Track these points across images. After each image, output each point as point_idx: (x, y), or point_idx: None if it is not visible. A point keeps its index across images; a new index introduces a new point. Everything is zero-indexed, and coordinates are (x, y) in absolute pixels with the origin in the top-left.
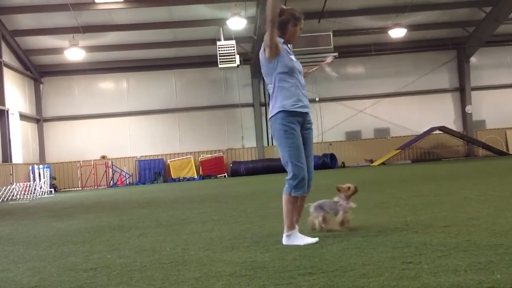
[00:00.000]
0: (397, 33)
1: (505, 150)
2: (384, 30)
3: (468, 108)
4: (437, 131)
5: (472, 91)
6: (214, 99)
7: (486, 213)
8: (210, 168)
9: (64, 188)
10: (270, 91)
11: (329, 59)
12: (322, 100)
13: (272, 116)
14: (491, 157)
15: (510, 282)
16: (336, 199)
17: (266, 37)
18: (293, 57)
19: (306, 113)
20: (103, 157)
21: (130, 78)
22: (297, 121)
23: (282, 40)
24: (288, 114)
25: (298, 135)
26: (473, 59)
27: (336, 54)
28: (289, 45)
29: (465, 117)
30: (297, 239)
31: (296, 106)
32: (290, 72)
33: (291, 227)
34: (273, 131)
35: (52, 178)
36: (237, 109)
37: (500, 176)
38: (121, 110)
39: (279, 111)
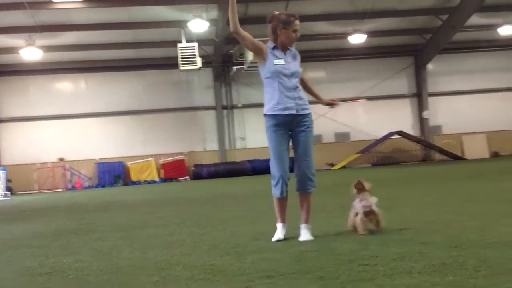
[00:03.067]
0: (357, 39)
1: (460, 155)
2: (344, 36)
3: (425, 114)
4: (396, 136)
5: (429, 97)
6: (176, 102)
7: (441, 217)
8: (172, 171)
9: (21, 191)
10: None
11: (362, 100)
12: None
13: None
14: (447, 162)
15: (463, 284)
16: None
17: None
18: (282, 60)
19: (294, 115)
20: (61, 159)
21: (89, 79)
22: (280, 124)
23: (272, 45)
24: (269, 117)
25: (279, 138)
26: (430, 66)
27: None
28: (288, 49)
29: (422, 122)
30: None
31: (275, 109)
32: (272, 76)
33: (277, 220)
34: None
35: (8, 180)
36: (199, 111)
37: (455, 180)
38: (80, 112)
39: (264, 114)
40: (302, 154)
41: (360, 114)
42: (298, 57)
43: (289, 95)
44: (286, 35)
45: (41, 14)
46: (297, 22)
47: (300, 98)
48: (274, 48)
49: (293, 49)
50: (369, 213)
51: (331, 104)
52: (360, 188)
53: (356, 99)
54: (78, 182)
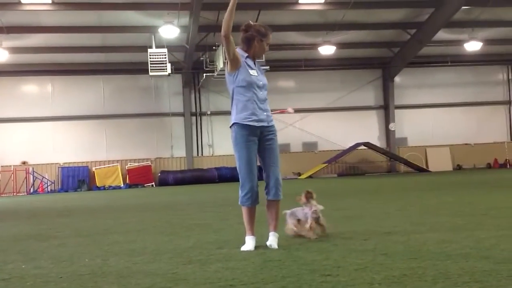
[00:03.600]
0: (327, 50)
1: (424, 167)
2: (314, 46)
3: (392, 126)
4: (362, 147)
5: (396, 109)
6: (144, 107)
7: (403, 228)
8: (138, 177)
9: None
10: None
11: (290, 110)
12: None
13: (230, 126)
14: (412, 173)
15: None
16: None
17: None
18: (255, 71)
19: (263, 127)
20: (24, 162)
21: (56, 82)
22: (252, 134)
23: (245, 55)
24: (241, 127)
25: (250, 148)
26: (397, 79)
27: (267, 67)
28: (254, 60)
29: (388, 134)
30: (244, 245)
31: (249, 119)
32: (247, 86)
33: (247, 233)
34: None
35: None
36: (167, 118)
37: (419, 191)
38: (45, 115)
39: (234, 123)
40: (272, 161)
41: (328, 124)
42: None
43: (262, 107)
44: (262, 47)
45: (8, 15)
46: (270, 36)
47: (268, 110)
48: (247, 58)
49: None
50: (318, 220)
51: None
52: (310, 197)
53: (284, 110)
54: (40, 186)
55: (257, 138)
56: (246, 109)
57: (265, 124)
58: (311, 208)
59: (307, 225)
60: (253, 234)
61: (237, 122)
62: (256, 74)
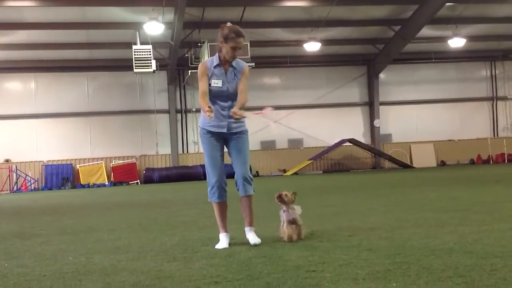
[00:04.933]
0: (312, 46)
1: (409, 163)
2: (299, 43)
3: (376, 122)
4: (347, 143)
5: (380, 105)
6: (128, 104)
7: (387, 223)
8: (122, 175)
9: None
10: None
11: (266, 110)
12: None
13: None
14: (396, 170)
15: None
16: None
17: None
18: (220, 82)
19: (223, 133)
20: (7, 160)
21: (39, 79)
22: (214, 136)
23: (215, 63)
24: (203, 130)
25: (212, 144)
26: (381, 75)
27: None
28: (232, 66)
29: (373, 130)
30: (218, 243)
31: (208, 125)
32: (212, 95)
33: (220, 230)
34: None
35: None
36: (152, 115)
37: (403, 187)
38: (28, 112)
39: (199, 126)
40: (239, 159)
41: (314, 121)
42: (244, 72)
43: (224, 114)
44: (225, 49)
45: None
46: (238, 40)
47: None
48: (217, 66)
49: (239, 64)
50: (292, 222)
51: (233, 116)
52: (282, 200)
53: (262, 112)
54: (24, 184)
55: (222, 138)
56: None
57: (224, 130)
58: (284, 211)
59: (282, 228)
60: (226, 231)
61: (200, 126)
62: (220, 85)
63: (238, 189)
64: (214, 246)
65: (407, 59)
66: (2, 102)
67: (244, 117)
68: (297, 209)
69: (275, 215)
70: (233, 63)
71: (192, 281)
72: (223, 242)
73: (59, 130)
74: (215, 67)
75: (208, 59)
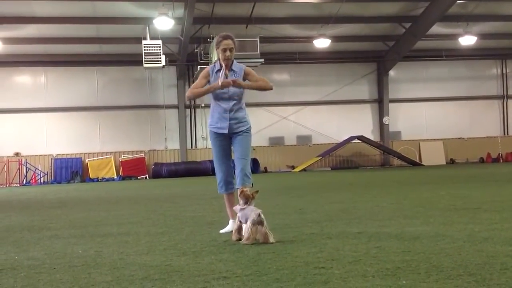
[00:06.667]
0: (322, 43)
1: (418, 161)
2: (309, 39)
3: (385, 119)
4: (356, 140)
5: (390, 103)
6: (138, 99)
7: (396, 221)
8: (131, 169)
9: None
10: None
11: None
12: (247, 105)
13: None
14: (405, 167)
15: None
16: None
17: None
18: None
19: (225, 134)
20: (17, 154)
21: (49, 73)
22: (219, 136)
23: (217, 68)
24: (210, 131)
25: (219, 145)
26: (391, 72)
27: (262, 60)
28: (232, 69)
29: (382, 127)
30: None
31: (212, 127)
32: (215, 98)
33: (229, 217)
34: None
35: None
36: (161, 110)
37: (412, 185)
38: (38, 106)
39: (208, 126)
40: (240, 154)
41: (322, 117)
42: (246, 72)
43: (225, 116)
44: (219, 54)
45: (1, 5)
46: (225, 41)
47: (235, 118)
48: (218, 71)
49: (239, 68)
50: (259, 223)
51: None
52: (246, 199)
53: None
54: (33, 178)
55: (226, 137)
56: (212, 117)
57: (225, 131)
58: (244, 210)
59: (245, 229)
60: (233, 218)
61: (208, 126)
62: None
63: (239, 181)
64: (223, 241)
65: (417, 56)
66: (12, 96)
67: (230, 83)
68: (257, 211)
69: (282, 211)
70: (233, 67)
71: (201, 275)
72: (229, 226)
73: (69, 124)
74: (216, 72)
75: (211, 65)
